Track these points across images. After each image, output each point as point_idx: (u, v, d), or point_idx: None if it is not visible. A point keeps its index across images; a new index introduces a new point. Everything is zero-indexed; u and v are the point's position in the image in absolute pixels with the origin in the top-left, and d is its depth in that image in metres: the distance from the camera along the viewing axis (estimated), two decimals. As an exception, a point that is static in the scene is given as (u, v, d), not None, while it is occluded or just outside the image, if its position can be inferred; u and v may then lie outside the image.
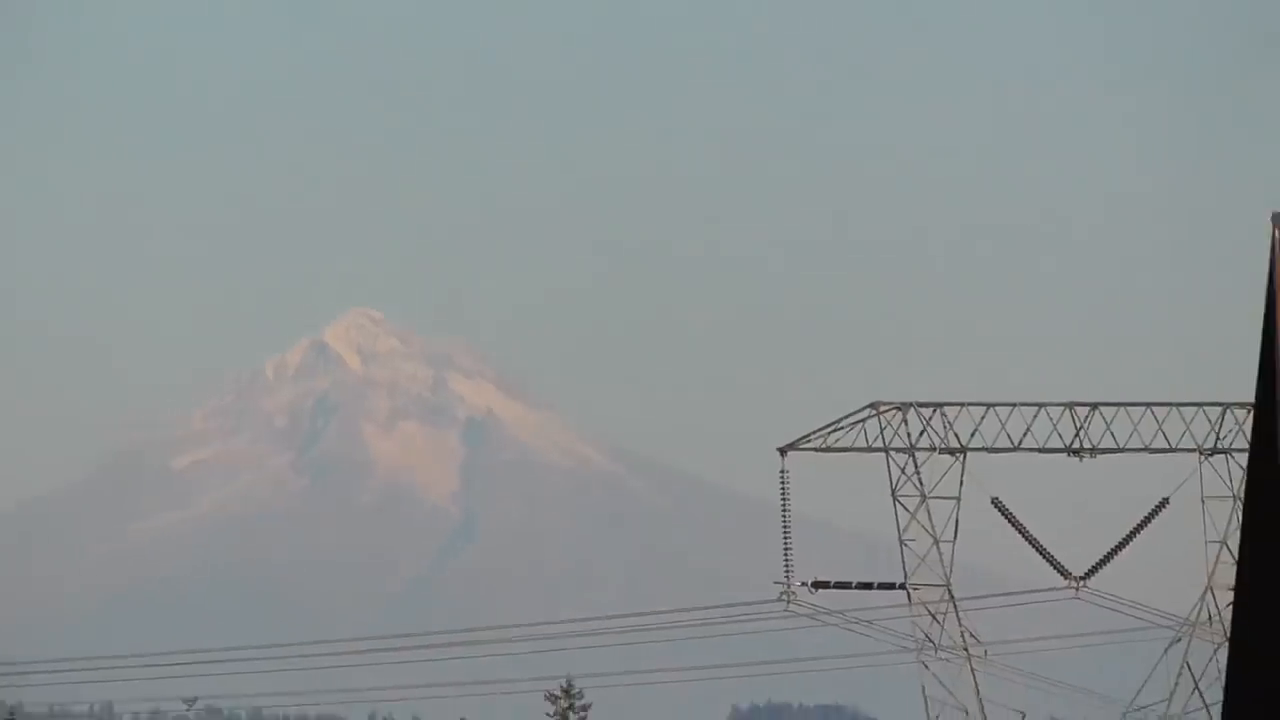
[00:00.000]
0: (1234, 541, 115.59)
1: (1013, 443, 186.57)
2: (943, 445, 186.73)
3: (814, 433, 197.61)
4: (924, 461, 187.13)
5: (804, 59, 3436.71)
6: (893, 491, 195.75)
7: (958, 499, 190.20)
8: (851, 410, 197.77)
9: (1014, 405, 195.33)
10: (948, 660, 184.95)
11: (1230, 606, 53.99)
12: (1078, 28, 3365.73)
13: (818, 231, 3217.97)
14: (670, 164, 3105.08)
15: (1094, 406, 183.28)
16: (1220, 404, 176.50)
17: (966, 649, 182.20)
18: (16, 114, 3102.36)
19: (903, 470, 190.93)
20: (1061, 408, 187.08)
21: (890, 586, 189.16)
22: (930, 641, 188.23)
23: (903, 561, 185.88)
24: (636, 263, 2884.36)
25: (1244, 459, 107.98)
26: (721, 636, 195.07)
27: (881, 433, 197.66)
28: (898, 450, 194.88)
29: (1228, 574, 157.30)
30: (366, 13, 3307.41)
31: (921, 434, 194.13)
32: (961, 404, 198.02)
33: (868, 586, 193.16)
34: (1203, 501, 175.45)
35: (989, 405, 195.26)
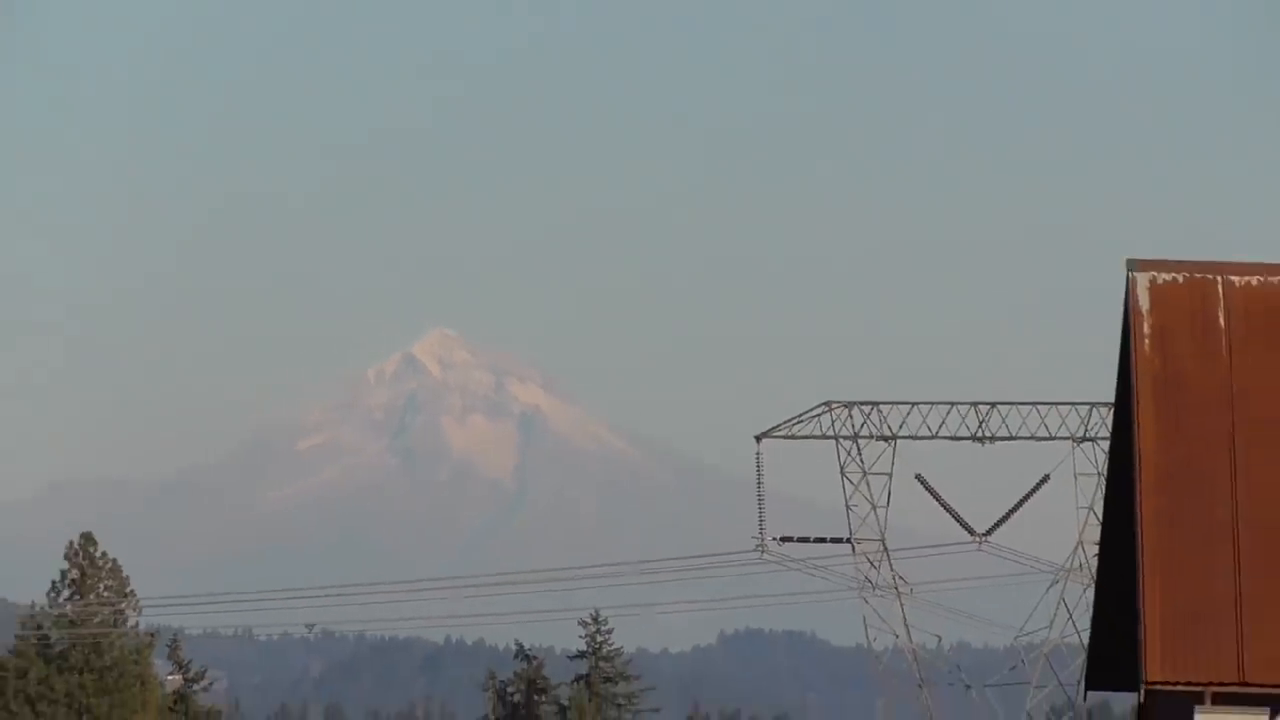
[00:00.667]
0: (1098, 508, 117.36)
1: (932, 432, 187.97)
2: (878, 434, 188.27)
3: (782, 424, 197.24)
4: (864, 447, 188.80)
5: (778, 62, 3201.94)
6: (841, 469, 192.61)
7: (890, 475, 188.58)
8: (810, 407, 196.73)
9: (933, 404, 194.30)
10: (882, 597, 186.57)
11: (1095, 557, 54.02)
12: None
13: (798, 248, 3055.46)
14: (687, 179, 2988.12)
15: (993, 404, 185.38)
16: (1089, 403, 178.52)
17: (896, 588, 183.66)
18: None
19: (848, 453, 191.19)
20: (969, 405, 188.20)
21: (839, 541, 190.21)
22: (869, 582, 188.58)
23: (848, 522, 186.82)
24: (652, 281, 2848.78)
25: (1106, 445, 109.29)
26: (712, 579, 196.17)
27: (833, 424, 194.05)
28: (845, 438, 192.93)
29: (1093, 533, 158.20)
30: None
31: (862, 425, 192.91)
32: (892, 402, 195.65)
33: (822, 540, 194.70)
34: (1075, 478, 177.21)
35: (913, 403, 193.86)
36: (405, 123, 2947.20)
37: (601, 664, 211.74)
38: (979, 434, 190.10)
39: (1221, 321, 44.88)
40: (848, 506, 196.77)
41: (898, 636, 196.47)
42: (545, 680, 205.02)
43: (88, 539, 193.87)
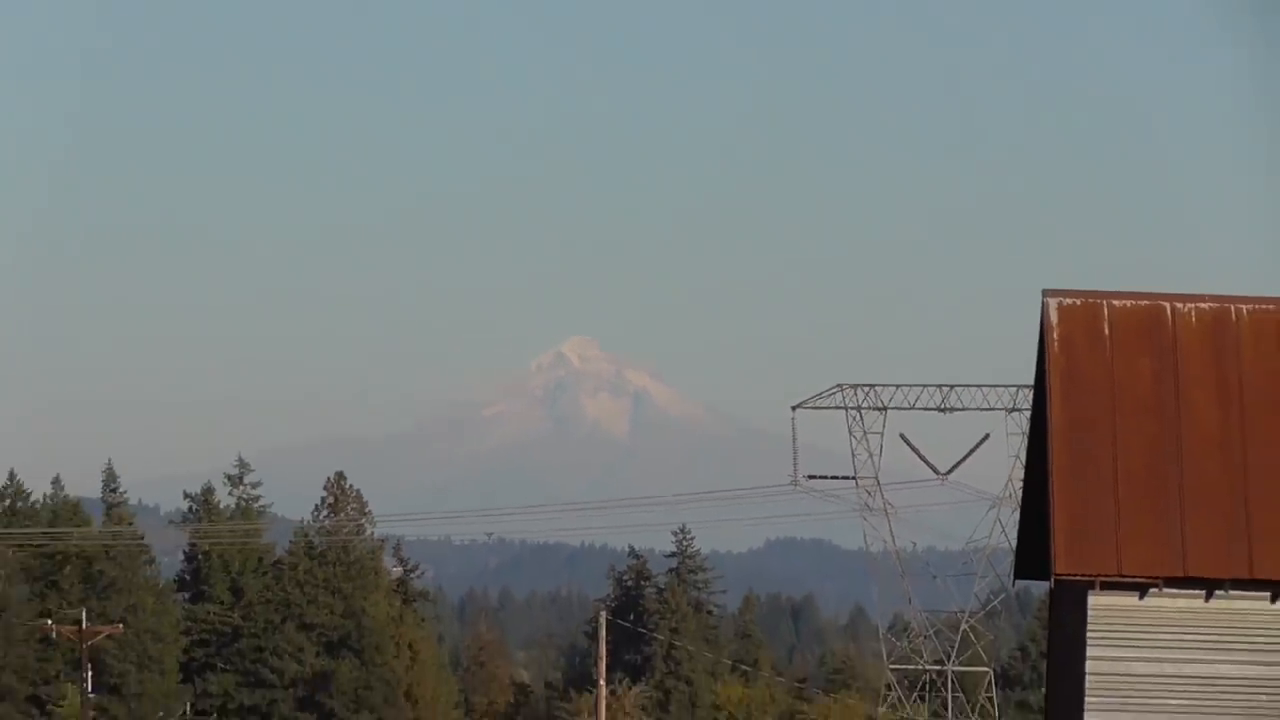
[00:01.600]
0: (1023, 457, 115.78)
1: (910, 404, 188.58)
2: (875, 406, 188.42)
3: (810, 399, 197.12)
4: (865, 415, 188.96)
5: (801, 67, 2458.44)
6: (849, 430, 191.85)
7: (882, 434, 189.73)
8: (828, 388, 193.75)
9: (911, 385, 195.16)
10: (877, 516, 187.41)
11: (1021, 489, 53.99)
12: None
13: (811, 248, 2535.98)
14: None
15: (952, 386, 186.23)
16: (1017, 385, 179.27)
17: (886, 511, 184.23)
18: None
19: (854, 419, 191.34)
20: (936, 386, 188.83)
21: (848, 478, 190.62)
22: (868, 506, 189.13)
23: (853, 465, 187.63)
24: (728, 279, 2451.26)
25: (1028, 415, 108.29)
26: (761, 502, 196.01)
27: (843, 399, 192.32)
28: (851, 409, 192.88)
29: (1020, 473, 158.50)
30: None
31: (864, 400, 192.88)
32: (884, 384, 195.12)
33: (835, 478, 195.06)
34: (1007, 436, 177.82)
35: (898, 385, 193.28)
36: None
37: (686, 560, 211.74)
38: (942, 405, 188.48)
39: (1106, 332, 44.99)
40: (853, 455, 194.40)
41: (886, 543, 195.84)
42: (649, 571, 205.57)
43: (340, 475, 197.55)
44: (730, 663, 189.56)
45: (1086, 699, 41.77)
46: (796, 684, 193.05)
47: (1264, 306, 48.24)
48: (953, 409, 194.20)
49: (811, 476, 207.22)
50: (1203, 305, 48.08)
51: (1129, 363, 45.65)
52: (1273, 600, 40.96)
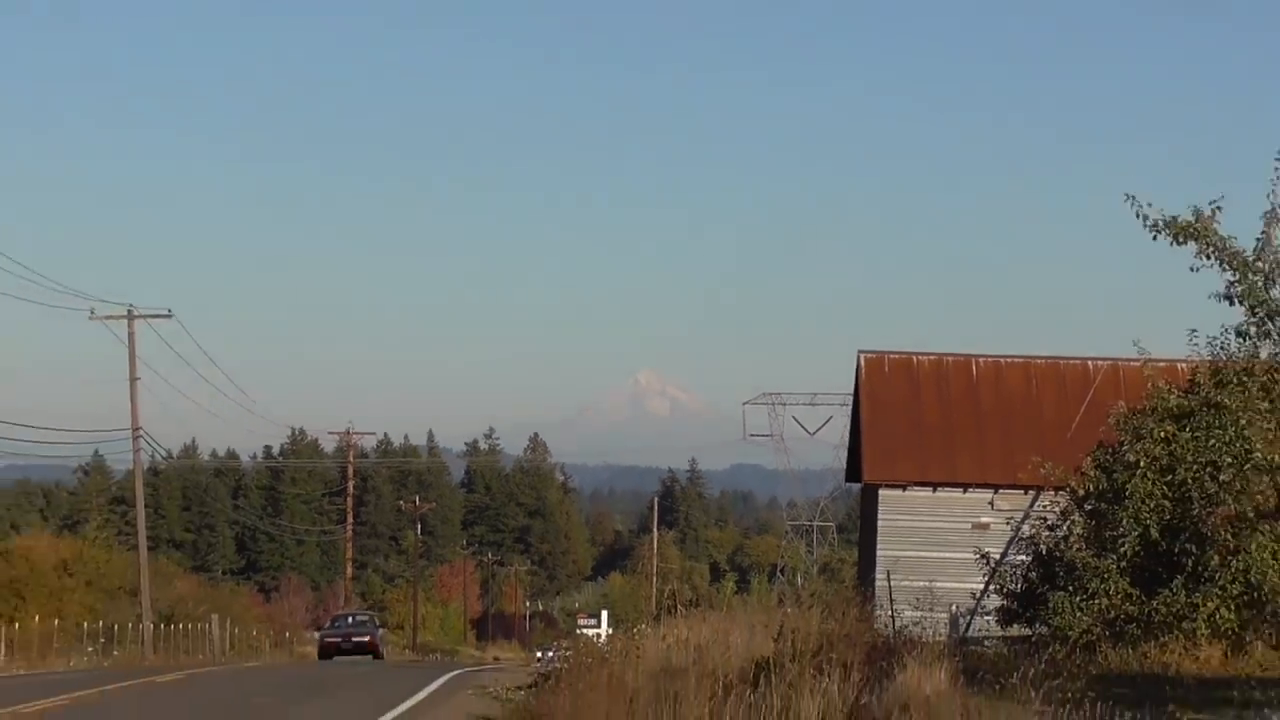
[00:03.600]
0: (848, 427, 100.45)
1: (797, 403, 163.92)
2: (780, 402, 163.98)
3: (753, 399, 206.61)
4: (775, 407, 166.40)
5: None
6: (768, 415, 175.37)
7: (782, 416, 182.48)
8: (761, 394, 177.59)
9: (800, 392, 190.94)
10: (783, 455, 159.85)
11: (848, 440, 59.69)
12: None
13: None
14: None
15: (818, 393, 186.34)
16: (848, 393, 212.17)
17: (786, 451, 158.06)
18: None
19: (772, 411, 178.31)
20: (811, 393, 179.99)
21: (768, 435, 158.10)
22: (780, 450, 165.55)
23: (770, 429, 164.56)
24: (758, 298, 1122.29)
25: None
26: (727, 445, 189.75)
27: (768, 400, 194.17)
28: (765, 404, 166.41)
29: (847, 437, 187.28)
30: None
31: (775, 400, 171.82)
32: (787, 392, 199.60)
33: (764, 435, 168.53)
34: (842, 419, 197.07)
35: (792, 393, 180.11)
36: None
37: (695, 479, 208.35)
38: (812, 402, 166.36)
39: (885, 369, 45.48)
40: (769, 424, 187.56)
41: (788, 467, 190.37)
42: (680, 480, 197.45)
43: (537, 434, 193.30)
44: (714, 520, 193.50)
45: (878, 537, 43.42)
46: (744, 530, 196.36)
47: (988, 358, 44.93)
48: (817, 404, 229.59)
49: (753, 435, 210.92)
50: (930, 356, 46.19)
51: (901, 383, 45.18)
52: (964, 491, 42.09)
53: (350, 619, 63.98)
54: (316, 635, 65.41)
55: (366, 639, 58.16)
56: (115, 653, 48.33)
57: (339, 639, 58.18)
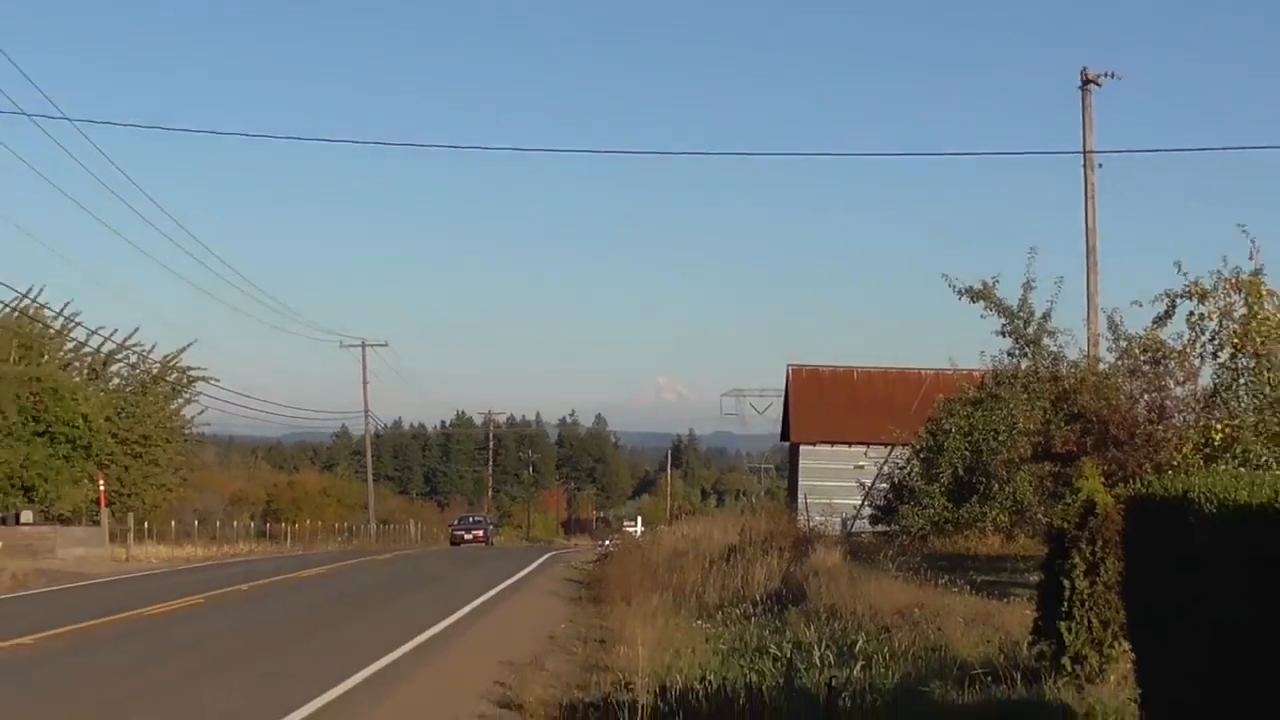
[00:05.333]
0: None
1: (753, 394, 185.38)
2: (742, 395, 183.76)
3: (726, 393, 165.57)
4: (739, 398, 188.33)
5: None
6: (735, 399, 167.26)
7: (748, 399, 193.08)
8: (730, 389, 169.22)
9: (756, 386, 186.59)
10: (746, 423, 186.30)
11: (783, 413, 51.75)
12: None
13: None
14: None
15: (766, 389, 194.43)
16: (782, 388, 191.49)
17: (747, 418, 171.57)
18: None
19: (738, 398, 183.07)
20: (761, 389, 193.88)
21: (733, 414, 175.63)
22: (742, 419, 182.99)
23: (738, 410, 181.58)
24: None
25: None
26: (713, 412, 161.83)
27: (734, 393, 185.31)
28: (732, 396, 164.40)
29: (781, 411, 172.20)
30: None
31: (742, 393, 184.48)
32: (753, 387, 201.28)
33: (733, 413, 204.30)
34: (783, 403, 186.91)
35: (751, 387, 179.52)
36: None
37: (694, 440, 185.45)
38: (761, 394, 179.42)
39: (804, 374, 44.45)
40: (737, 404, 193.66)
41: (748, 430, 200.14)
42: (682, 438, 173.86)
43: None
44: (704, 464, 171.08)
45: (799, 474, 42.30)
46: (721, 471, 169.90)
47: (877, 369, 43.77)
48: (764, 395, 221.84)
49: (727, 414, 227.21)
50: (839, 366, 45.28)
51: (812, 383, 44.42)
52: (849, 446, 39.98)
53: (470, 519, 62.78)
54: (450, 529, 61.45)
55: (480, 533, 57.66)
56: (354, 542, 53.85)
57: (462, 532, 57.94)
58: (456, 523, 61.82)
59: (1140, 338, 16.67)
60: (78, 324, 38.55)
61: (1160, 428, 15.95)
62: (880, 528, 29.40)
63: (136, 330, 42.75)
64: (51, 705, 9.90)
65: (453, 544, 54.57)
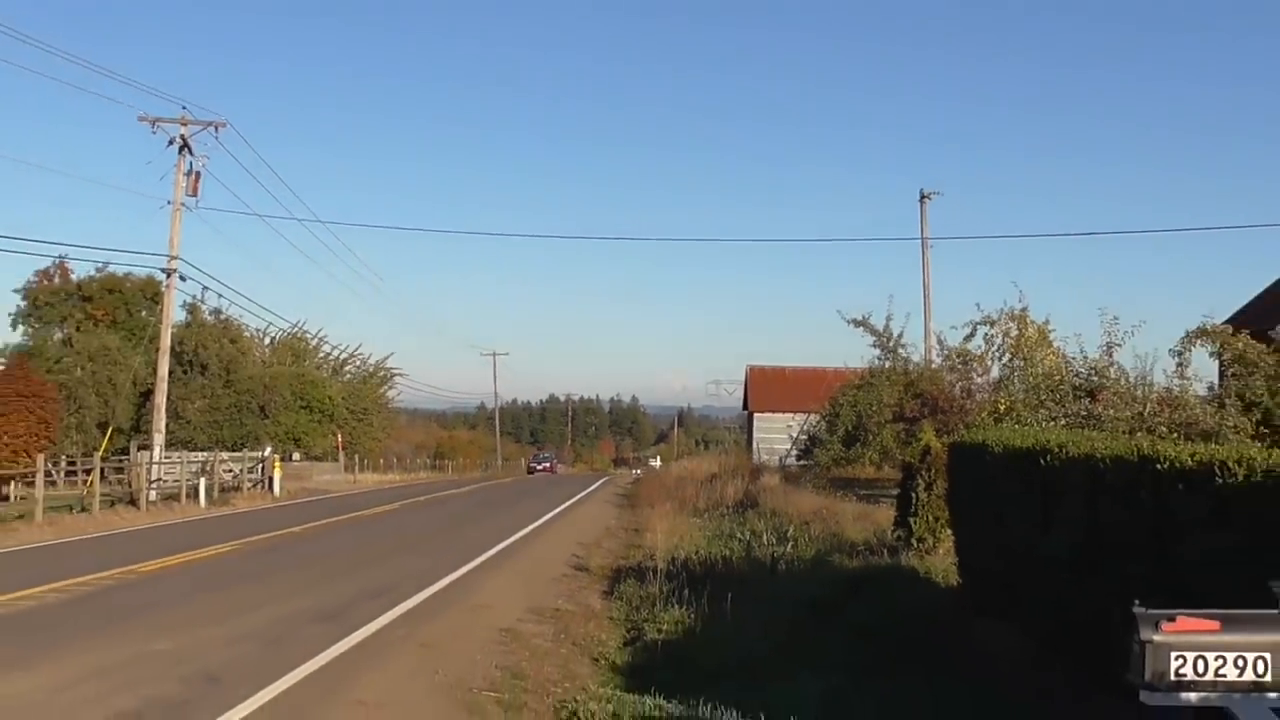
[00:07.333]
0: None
1: (722, 381, 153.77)
2: (718, 383, 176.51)
3: (708, 383, 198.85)
4: (715, 385, 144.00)
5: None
6: (714, 383, 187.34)
7: (723, 384, 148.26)
8: (711, 379, 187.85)
9: (724, 377, 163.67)
10: (723, 399, 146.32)
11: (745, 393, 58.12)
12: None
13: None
14: None
15: (725, 380, 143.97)
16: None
17: (722, 395, 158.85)
18: None
19: (718, 384, 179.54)
20: (732, 379, 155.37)
21: (713, 398, 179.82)
22: (717, 397, 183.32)
23: (718, 391, 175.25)
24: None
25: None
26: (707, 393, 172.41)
27: (716, 380, 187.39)
28: (713, 384, 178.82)
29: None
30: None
31: (719, 379, 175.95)
32: (726, 378, 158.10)
33: (713, 399, 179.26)
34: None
35: (725, 378, 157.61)
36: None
37: (692, 410, 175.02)
38: (732, 381, 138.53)
39: (764, 375, 47.06)
40: (717, 387, 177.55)
41: (724, 403, 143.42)
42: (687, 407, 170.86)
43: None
44: (698, 426, 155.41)
45: (754, 430, 45.09)
46: (706, 430, 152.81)
47: (837, 369, 34.88)
48: (735, 382, 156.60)
49: (711, 394, 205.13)
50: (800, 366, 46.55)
51: (765, 378, 46.52)
52: (787, 413, 42.25)
53: (540, 456, 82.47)
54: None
55: (548, 465, 75.90)
56: (488, 470, 72.25)
57: (535, 465, 76.52)
58: (532, 459, 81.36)
59: (956, 348, 21.08)
60: (325, 340, 53.65)
61: (969, 402, 20.29)
62: (802, 462, 36.63)
63: (359, 345, 64.90)
64: (324, 557, 15.09)
65: (529, 473, 70.53)
